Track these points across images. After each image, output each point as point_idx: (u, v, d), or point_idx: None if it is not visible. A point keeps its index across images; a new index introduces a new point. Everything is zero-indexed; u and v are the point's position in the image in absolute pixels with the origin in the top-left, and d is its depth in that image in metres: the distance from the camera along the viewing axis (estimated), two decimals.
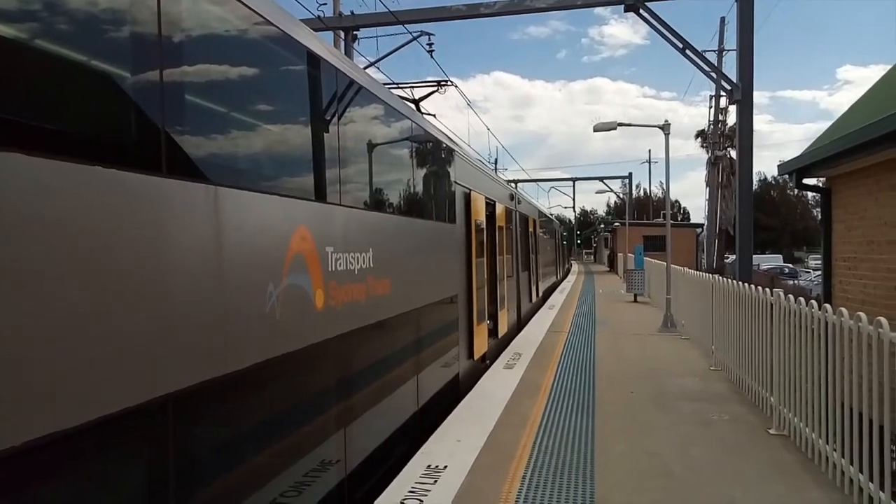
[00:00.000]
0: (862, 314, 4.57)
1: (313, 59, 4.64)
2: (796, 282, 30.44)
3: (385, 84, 9.92)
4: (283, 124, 4.35)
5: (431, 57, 16.00)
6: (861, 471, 4.43)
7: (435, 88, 12.86)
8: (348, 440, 4.88)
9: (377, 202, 6.05)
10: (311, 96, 4.69)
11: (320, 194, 4.65)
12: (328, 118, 4.89)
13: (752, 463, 5.42)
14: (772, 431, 6.25)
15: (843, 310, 4.91)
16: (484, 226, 10.83)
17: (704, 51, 20.28)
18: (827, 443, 5.08)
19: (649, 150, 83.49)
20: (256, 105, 4.01)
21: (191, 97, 3.29)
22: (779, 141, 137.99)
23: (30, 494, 2.25)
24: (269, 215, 3.85)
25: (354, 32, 18.15)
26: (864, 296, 8.46)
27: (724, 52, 33.11)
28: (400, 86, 12.71)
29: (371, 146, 5.92)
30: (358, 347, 5.18)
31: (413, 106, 10.35)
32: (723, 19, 34.03)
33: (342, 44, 17.78)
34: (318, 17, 15.52)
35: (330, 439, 4.62)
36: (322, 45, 4.97)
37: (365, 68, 12.99)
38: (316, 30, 10.90)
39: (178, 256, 2.97)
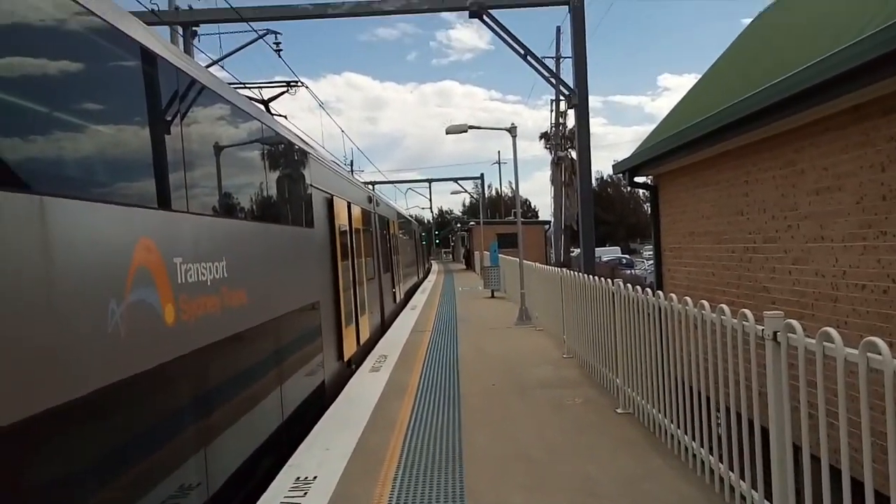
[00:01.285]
0: (688, 298, 5.12)
1: (148, 56, 4.31)
2: (633, 271, 33.39)
3: (231, 84, 9.48)
4: (117, 127, 4.01)
5: (279, 56, 15.54)
6: (694, 439, 4.97)
7: (285, 89, 12.53)
8: (209, 460, 4.61)
9: (228, 208, 5.77)
10: (147, 97, 4.35)
11: (164, 202, 4.35)
12: (168, 120, 4.58)
13: (603, 440, 5.87)
14: (619, 411, 6.81)
15: (673, 295, 5.47)
16: (343, 229, 10.71)
17: (544, 57, 21.57)
18: (665, 416, 5.63)
19: (499, 152, 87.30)
20: (82, 106, 3.65)
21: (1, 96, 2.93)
22: (612, 142, 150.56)
23: None
24: (105, 226, 3.54)
25: (194, 28, 17.13)
26: (689, 281, 9.49)
27: (561, 59, 35.50)
28: (247, 86, 12.23)
29: (218, 149, 5.63)
30: (215, 362, 4.91)
31: (262, 107, 9.99)
32: (559, 28, 36.55)
33: (180, 40, 16.71)
34: (153, 10, 14.44)
35: (189, 462, 4.33)
36: (157, 40, 4.63)
37: (207, 67, 12.31)
38: (150, 24, 10.15)
39: None
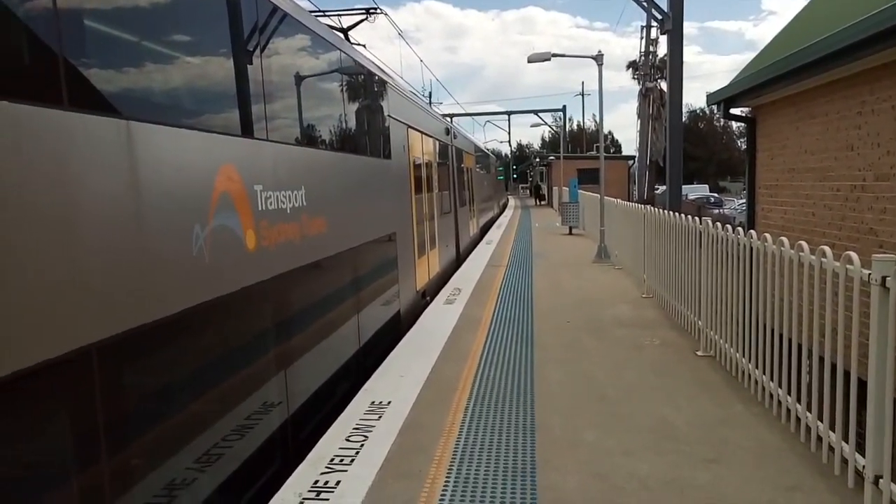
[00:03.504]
0: (784, 239, 4.77)
1: None
2: (721, 210, 31.78)
3: (310, 12, 9.39)
4: (202, 56, 4.04)
5: None
6: (780, 385, 4.73)
7: (364, 17, 12.31)
8: (289, 382, 4.82)
9: (308, 138, 5.80)
10: (230, 25, 4.35)
11: (246, 129, 4.40)
12: (251, 49, 4.57)
13: (680, 383, 5.70)
14: (699, 353, 6.58)
15: (767, 235, 5.11)
16: (420, 161, 10.66)
17: None
18: (749, 361, 5.38)
19: (582, 83, 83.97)
20: (170, 35, 3.68)
21: (92, 24, 2.99)
22: (707, 72, 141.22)
23: None
24: (189, 152, 3.61)
25: None
26: (784, 221, 8.88)
27: None
28: (326, 13, 12.10)
29: (299, 79, 5.62)
30: (295, 289, 5.06)
31: (341, 35, 9.88)
32: None
33: None
34: None
35: (270, 382, 4.54)
36: None
37: None
38: None
39: (86, 198, 2.74)
